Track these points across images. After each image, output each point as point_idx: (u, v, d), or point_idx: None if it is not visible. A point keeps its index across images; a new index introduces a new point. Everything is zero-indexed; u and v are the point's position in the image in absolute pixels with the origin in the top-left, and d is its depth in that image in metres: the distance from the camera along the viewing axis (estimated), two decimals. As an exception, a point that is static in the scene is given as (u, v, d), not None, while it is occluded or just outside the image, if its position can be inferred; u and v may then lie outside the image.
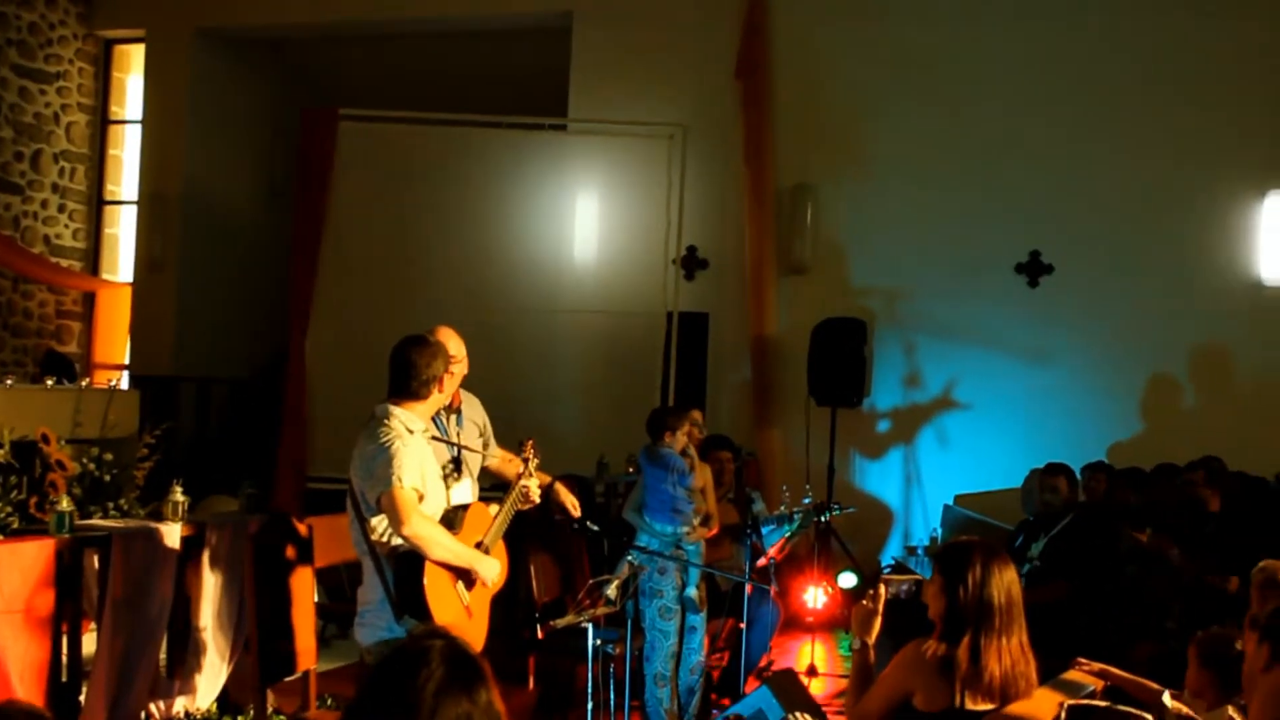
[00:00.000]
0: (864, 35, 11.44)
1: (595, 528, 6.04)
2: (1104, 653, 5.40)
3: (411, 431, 4.51)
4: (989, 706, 4.00)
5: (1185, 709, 3.72)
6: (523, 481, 4.99)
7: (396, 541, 4.43)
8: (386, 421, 4.50)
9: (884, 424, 11.38)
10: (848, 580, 9.38)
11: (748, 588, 7.12)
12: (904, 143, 11.30)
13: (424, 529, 4.36)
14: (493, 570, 4.66)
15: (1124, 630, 7.29)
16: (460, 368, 5.03)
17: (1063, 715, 2.91)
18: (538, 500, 5.08)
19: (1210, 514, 7.70)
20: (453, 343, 5.05)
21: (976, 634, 3.99)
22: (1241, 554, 6.78)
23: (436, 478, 4.64)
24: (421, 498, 4.43)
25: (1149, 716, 2.90)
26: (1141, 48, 10.95)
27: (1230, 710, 3.68)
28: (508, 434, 5.61)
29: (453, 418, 5.17)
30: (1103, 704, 3.06)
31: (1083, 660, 4.84)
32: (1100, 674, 4.72)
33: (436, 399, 4.71)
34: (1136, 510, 8.32)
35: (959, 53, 11.26)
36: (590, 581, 5.83)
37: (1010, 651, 4.00)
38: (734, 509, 8.13)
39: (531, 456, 5.06)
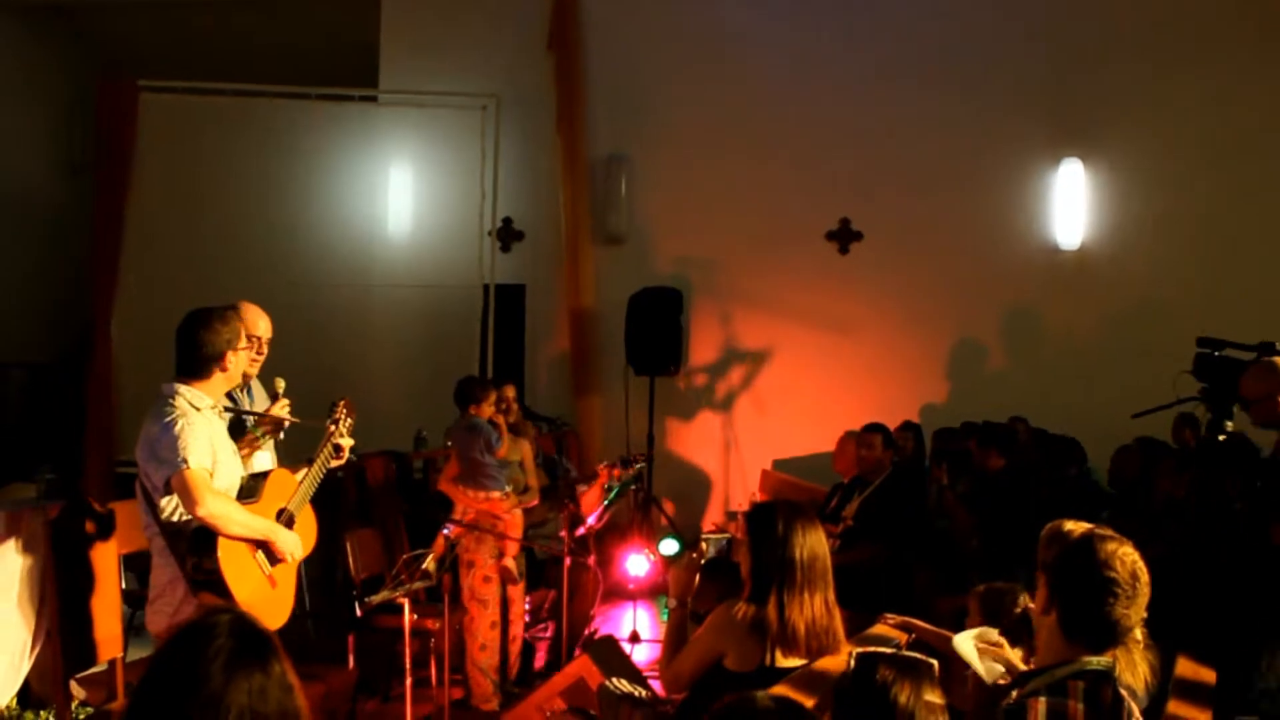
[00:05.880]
0: (672, 7, 11.53)
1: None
2: (911, 607, 5.58)
3: (198, 409, 4.40)
4: (799, 662, 4.10)
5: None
6: (333, 439, 4.91)
7: (188, 517, 4.32)
8: (171, 400, 4.38)
9: (702, 392, 11.51)
10: (669, 547, 9.47)
11: (565, 559, 7.16)
12: (714, 113, 11.41)
13: (218, 507, 4.25)
14: (291, 543, 4.55)
15: (931, 584, 7.54)
16: (265, 347, 5.00)
17: (851, 663, 2.99)
18: (346, 456, 5.00)
19: (992, 474, 8.00)
20: (262, 323, 5.01)
21: (780, 590, 4.08)
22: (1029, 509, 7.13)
23: (229, 452, 4.53)
24: (211, 475, 4.33)
25: (934, 661, 2.99)
26: (939, 22, 11.30)
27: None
28: (324, 409, 5.52)
29: (244, 390, 5.08)
30: (889, 650, 3.14)
31: (889, 615, 4.98)
32: (904, 626, 4.86)
33: (226, 375, 4.59)
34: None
35: (767, 26, 11.42)
36: (405, 556, 5.79)
37: (814, 607, 4.10)
38: (543, 472, 8.21)
39: (343, 416, 4.98)
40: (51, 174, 13.09)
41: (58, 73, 13.19)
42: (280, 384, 5.06)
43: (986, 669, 3.65)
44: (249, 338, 4.91)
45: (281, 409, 4.99)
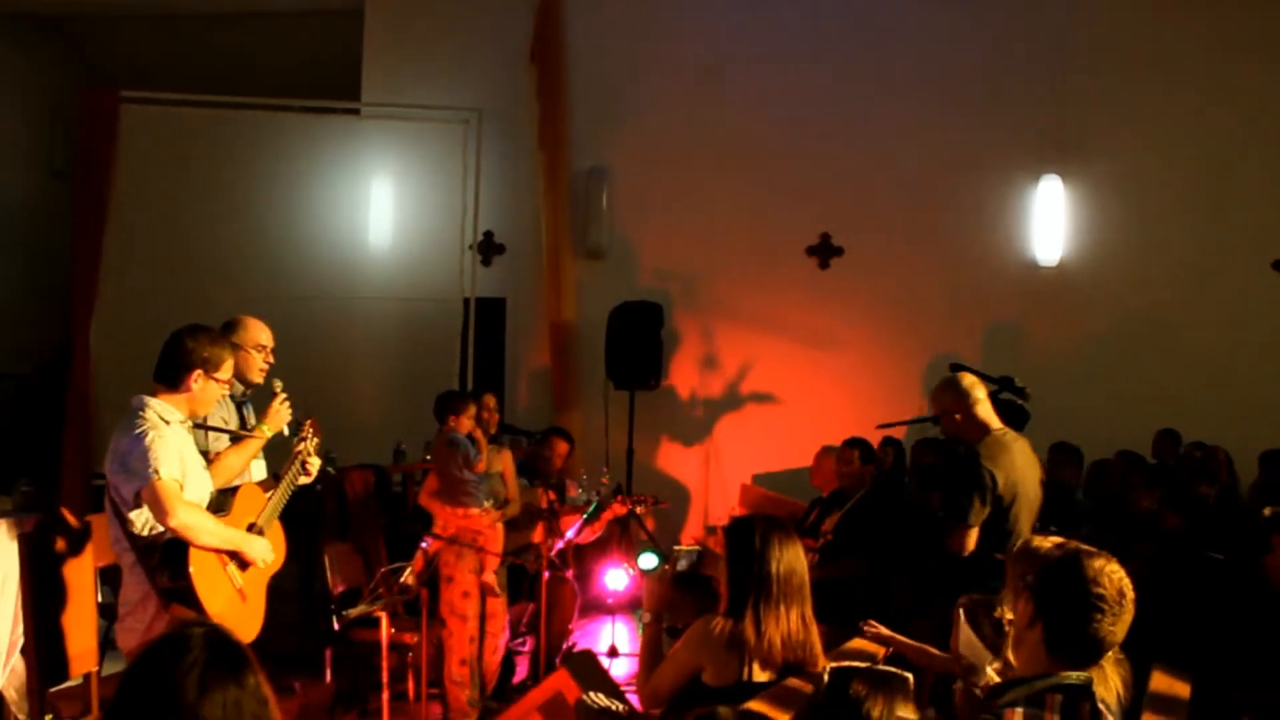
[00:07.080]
0: (655, 20, 11.55)
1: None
2: (890, 620, 5.59)
3: (168, 422, 4.39)
4: (775, 677, 4.10)
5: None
6: (300, 457, 4.93)
7: (158, 531, 4.31)
8: (141, 413, 4.38)
9: (681, 406, 11.51)
10: (648, 561, 9.46)
11: (544, 573, 7.17)
12: (696, 127, 11.40)
13: (190, 517, 4.25)
14: (262, 550, 4.57)
15: (912, 598, 7.53)
16: (271, 356, 5.13)
17: (826, 677, 2.99)
18: (315, 474, 5.03)
19: None
20: (264, 334, 5.17)
21: (757, 605, 4.09)
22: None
23: (199, 466, 4.52)
24: (181, 487, 4.32)
25: (909, 675, 3.00)
26: (919, 38, 11.34)
27: (991, 671, 3.84)
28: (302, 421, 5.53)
29: (245, 402, 5.13)
30: (864, 664, 3.15)
31: (872, 622, 4.99)
32: (885, 640, 4.88)
33: (190, 396, 4.55)
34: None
35: (749, 42, 11.43)
36: (382, 570, 5.79)
37: (790, 622, 4.11)
38: (544, 494, 8.20)
39: (310, 435, 5.01)
40: (33, 182, 13.03)
41: (42, 81, 13.12)
42: (278, 385, 5.10)
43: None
44: (257, 347, 5.03)
45: (280, 408, 5.01)
